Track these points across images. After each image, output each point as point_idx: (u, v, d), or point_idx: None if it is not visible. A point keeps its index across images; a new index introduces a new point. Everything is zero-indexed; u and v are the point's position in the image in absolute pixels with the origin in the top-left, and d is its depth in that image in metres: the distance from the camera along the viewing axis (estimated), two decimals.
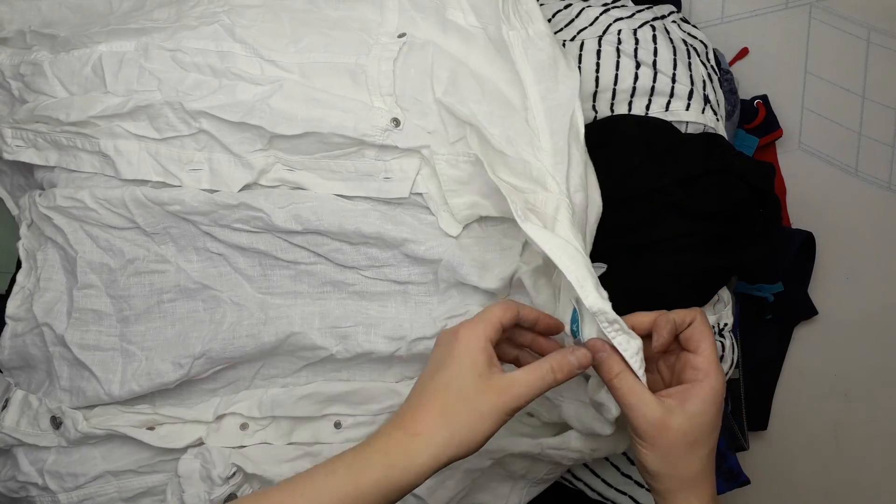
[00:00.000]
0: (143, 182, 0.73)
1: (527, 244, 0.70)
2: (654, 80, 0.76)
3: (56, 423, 0.73)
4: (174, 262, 0.74)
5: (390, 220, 0.70)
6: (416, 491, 0.66)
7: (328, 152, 0.71)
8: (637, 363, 0.57)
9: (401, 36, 0.73)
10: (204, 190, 0.72)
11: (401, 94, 0.71)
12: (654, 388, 0.58)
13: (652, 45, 0.77)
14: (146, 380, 0.72)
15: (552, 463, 0.73)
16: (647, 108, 0.76)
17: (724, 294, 0.81)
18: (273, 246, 0.72)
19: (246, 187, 0.72)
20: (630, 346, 0.57)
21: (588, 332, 0.59)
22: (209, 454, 0.70)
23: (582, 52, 0.77)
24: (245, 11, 0.74)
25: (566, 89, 0.69)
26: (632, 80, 0.76)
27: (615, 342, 0.57)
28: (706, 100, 0.77)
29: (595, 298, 0.56)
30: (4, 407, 0.75)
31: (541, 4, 0.78)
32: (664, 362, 0.63)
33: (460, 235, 0.70)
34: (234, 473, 0.70)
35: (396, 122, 0.70)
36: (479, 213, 0.70)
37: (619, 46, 0.77)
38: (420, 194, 0.70)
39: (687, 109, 0.76)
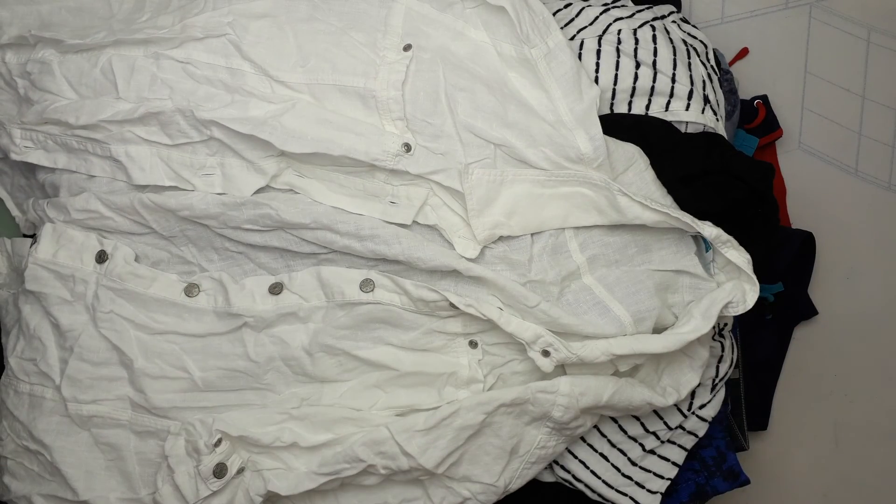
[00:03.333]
0: (145, 186, 0.73)
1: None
2: (654, 80, 0.76)
3: (102, 257, 0.73)
4: (196, 262, 0.75)
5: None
6: (408, 449, 0.68)
7: (339, 167, 0.73)
8: (747, 267, 0.72)
9: (406, 48, 0.73)
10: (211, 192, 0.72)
11: (411, 118, 0.72)
12: None
13: (652, 45, 0.77)
14: None
15: (540, 424, 0.73)
16: (647, 107, 0.77)
17: None
18: (287, 241, 0.72)
19: (257, 191, 0.72)
20: (741, 257, 0.72)
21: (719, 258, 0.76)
22: (193, 427, 0.70)
23: (581, 52, 0.77)
24: (250, 24, 0.73)
25: (588, 100, 0.72)
26: (631, 80, 0.76)
27: (728, 255, 0.72)
28: (706, 100, 0.77)
29: (711, 227, 0.71)
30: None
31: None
32: None
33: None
34: (219, 440, 0.70)
35: (408, 147, 0.70)
36: (500, 234, 0.71)
37: (619, 46, 0.77)
38: (429, 226, 0.72)
39: (687, 109, 0.76)
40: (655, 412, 0.79)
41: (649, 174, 0.74)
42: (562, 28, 0.76)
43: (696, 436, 0.81)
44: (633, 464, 0.79)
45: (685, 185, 0.75)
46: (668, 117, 0.76)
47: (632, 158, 0.74)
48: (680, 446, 0.80)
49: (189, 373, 0.72)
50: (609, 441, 0.79)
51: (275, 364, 0.72)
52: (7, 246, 0.80)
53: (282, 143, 0.70)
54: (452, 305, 0.70)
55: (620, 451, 0.79)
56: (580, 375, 0.72)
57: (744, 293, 0.72)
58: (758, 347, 1.02)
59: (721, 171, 0.75)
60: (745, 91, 1.02)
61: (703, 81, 0.78)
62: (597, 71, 0.77)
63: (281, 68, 0.73)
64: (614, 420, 0.79)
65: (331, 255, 0.73)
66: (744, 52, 1.02)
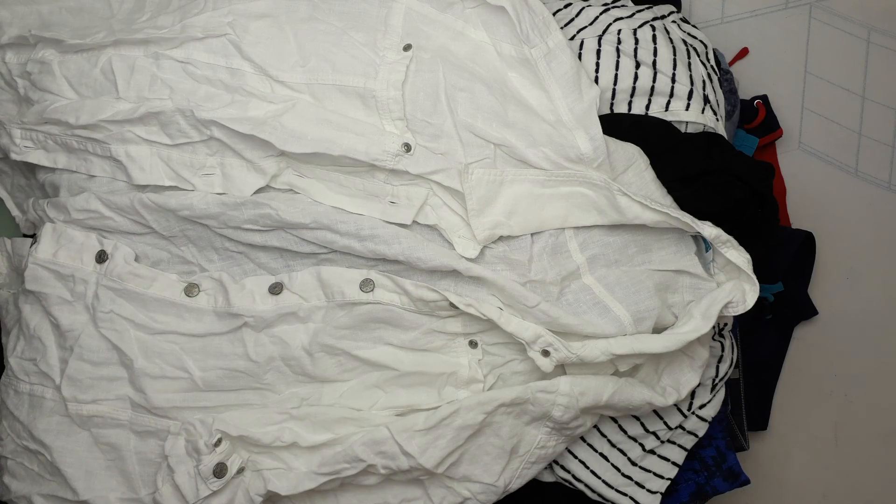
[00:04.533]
0: (145, 186, 0.73)
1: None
2: (654, 80, 0.76)
3: (102, 257, 0.73)
4: (196, 262, 0.75)
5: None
6: (408, 449, 0.68)
7: (339, 167, 0.73)
8: (747, 267, 0.72)
9: (406, 48, 0.73)
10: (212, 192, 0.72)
11: (411, 118, 0.72)
12: None
13: (652, 45, 0.77)
14: None
15: (540, 424, 0.73)
16: (647, 107, 0.77)
17: None
18: (287, 241, 0.72)
19: (257, 191, 0.72)
20: (741, 257, 0.72)
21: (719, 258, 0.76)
22: (193, 427, 0.70)
23: (581, 52, 0.77)
24: (249, 24, 0.74)
25: (588, 100, 0.72)
26: (631, 80, 0.76)
27: (727, 255, 0.72)
28: (706, 100, 0.78)
29: (711, 227, 0.71)
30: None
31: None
32: None
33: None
34: (219, 440, 0.70)
35: (408, 147, 0.70)
36: (500, 234, 0.72)
37: (619, 46, 0.77)
38: (428, 225, 0.72)
39: (686, 109, 0.77)
40: (655, 412, 0.79)
41: (649, 174, 0.74)
42: (562, 28, 0.76)
43: (696, 436, 0.81)
44: (633, 464, 0.79)
45: (685, 185, 0.75)
46: (668, 117, 0.76)
47: (632, 158, 0.74)
48: (680, 446, 0.80)
49: (189, 373, 0.72)
50: (609, 441, 0.79)
51: (275, 364, 0.72)
52: (7, 246, 0.80)
53: (282, 143, 0.70)
54: (452, 305, 0.70)
55: (620, 450, 0.79)
56: (580, 375, 0.72)
57: (744, 293, 0.72)
58: (758, 347, 1.02)
59: (721, 171, 0.75)
60: (745, 91, 1.02)
61: (703, 81, 0.78)
62: (597, 71, 0.77)
63: (281, 68, 0.73)
64: (614, 420, 0.79)
65: (331, 255, 0.73)
66: (744, 52, 1.02)
